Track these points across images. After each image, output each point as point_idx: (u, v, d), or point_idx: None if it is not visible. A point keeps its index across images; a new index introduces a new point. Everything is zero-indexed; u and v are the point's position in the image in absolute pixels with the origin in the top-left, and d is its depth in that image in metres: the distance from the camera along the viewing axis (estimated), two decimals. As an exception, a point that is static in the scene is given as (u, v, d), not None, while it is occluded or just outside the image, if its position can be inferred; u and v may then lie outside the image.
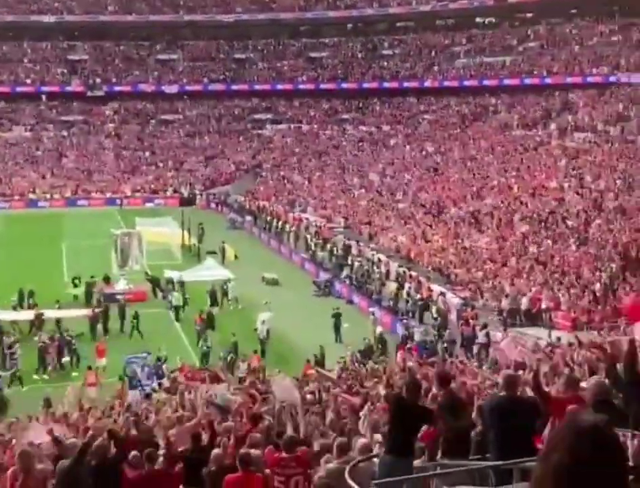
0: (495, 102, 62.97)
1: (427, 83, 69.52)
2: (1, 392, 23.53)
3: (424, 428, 7.26)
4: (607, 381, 6.99)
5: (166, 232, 43.71)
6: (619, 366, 7.27)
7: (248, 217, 54.04)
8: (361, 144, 66.13)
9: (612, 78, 55.37)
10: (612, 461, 1.83)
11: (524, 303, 27.93)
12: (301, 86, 74.53)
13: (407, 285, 32.60)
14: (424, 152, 58.38)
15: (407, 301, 31.28)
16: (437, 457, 7.15)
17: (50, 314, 29.19)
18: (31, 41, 76.74)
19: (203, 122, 74.48)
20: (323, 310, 30.77)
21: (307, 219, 49.12)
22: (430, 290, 31.38)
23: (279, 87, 74.63)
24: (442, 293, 30.43)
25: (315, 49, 77.75)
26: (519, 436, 6.24)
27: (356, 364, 22.84)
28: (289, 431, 9.32)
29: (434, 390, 9.27)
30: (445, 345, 26.41)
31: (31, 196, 62.96)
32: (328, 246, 41.33)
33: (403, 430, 6.88)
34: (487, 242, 35.53)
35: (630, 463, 3.58)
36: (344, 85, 73.45)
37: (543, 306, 27.45)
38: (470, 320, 27.18)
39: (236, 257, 41.42)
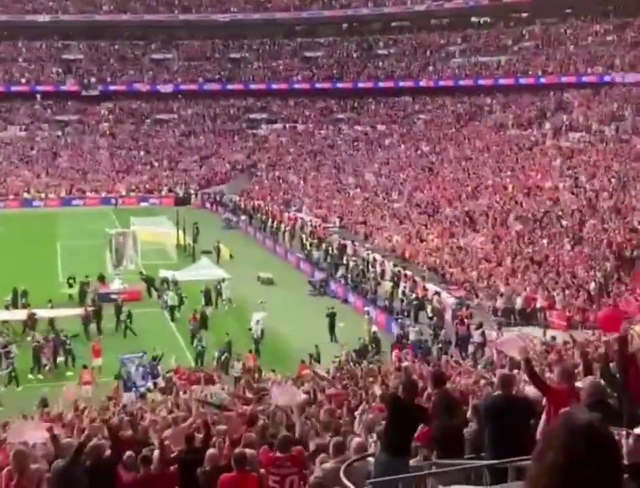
0: (490, 101, 63.01)
1: (422, 83, 69.52)
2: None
3: (420, 427, 7.27)
4: (601, 380, 7.01)
5: (161, 232, 43.70)
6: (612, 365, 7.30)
7: (243, 217, 54.04)
8: (356, 143, 66.14)
9: (607, 78, 55.46)
10: (607, 460, 1.83)
11: (519, 302, 28.00)
12: (296, 85, 74.49)
13: (402, 285, 32.64)
14: (419, 152, 58.41)
15: (402, 301, 31.31)
16: (432, 456, 7.16)
17: (43, 313, 29.14)
18: (26, 40, 76.54)
19: (198, 121, 74.41)
20: (318, 310, 30.74)
21: (302, 218, 49.11)
22: (425, 289, 31.41)
23: (274, 86, 74.58)
24: (437, 293, 30.47)
25: (310, 48, 77.72)
26: (514, 435, 6.26)
27: (351, 363, 22.86)
28: (283, 431, 9.31)
29: (429, 389, 9.28)
30: (440, 345, 26.44)
31: (26, 195, 62.81)
32: (323, 245, 41.34)
33: (400, 430, 6.89)
34: (482, 242, 35.56)
35: (625, 462, 3.58)
36: (339, 85, 73.44)
37: (538, 305, 27.52)
38: (465, 320, 27.21)
39: (231, 256, 41.41)
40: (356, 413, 10.83)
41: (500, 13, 70.11)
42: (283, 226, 47.70)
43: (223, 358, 26.08)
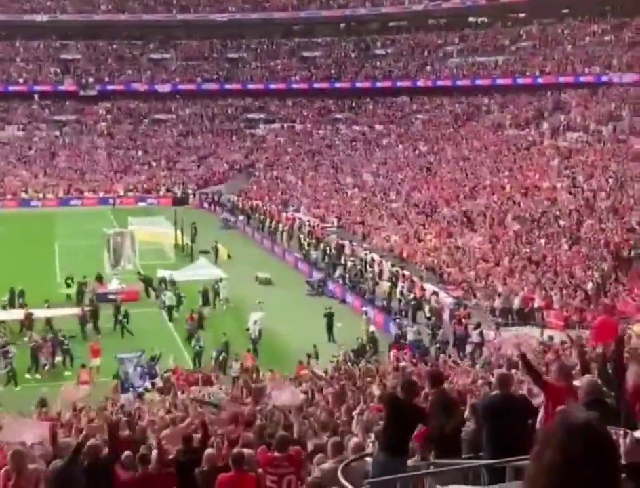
0: (487, 101, 63.05)
1: (420, 83, 69.54)
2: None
3: (419, 427, 7.28)
4: (599, 379, 7.02)
5: (159, 232, 43.67)
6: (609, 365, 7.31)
7: (241, 217, 54.02)
8: (354, 143, 66.14)
9: (604, 78, 55.50)
10: (604, 459, 1.83)
11: (516, 302, 28.01)
12: (294, 85, 74.47)
13: (400, 285, 32.65)
14: (417, 152, 58.41)
15: (400, 301, 31.31)
16: (430, 456, 7.17)
17: (39, 313, 29.11)
18: (24, 40, 76.48)
19: (196, 121, 74.37)
20: (316, 310, 30.73)
21: (300, 218, 49.10)
22: (423, 289, 31.42)
23: (272, 86, 74.55)
24: (435, 293, 30.48)
25: (308, 48, 77.71)
26: (512, 434, 6.26)
27: (349, 363, 22.86)
28: (281, 430, 9.31)
29: (426, 389, 9.29)
30: (438, 345, 26.44)
31: (23, 195, 62.73)
32: (321, 245, 41.34)
33: (399, 430, 6.89)
34: (480, 242, 35.58)
35: (623, 462, 3.58)
36: (337, 85, 73.43)
37: (535, 305, 27.54)
38: (463, 320, 27.22)
39: (229, 256, 41.37)
40: (354, 413, 10.82)
41: (498, 13, 70.18)
42: (281, 225, 47.69)
43: (221, 358, 26.07)
